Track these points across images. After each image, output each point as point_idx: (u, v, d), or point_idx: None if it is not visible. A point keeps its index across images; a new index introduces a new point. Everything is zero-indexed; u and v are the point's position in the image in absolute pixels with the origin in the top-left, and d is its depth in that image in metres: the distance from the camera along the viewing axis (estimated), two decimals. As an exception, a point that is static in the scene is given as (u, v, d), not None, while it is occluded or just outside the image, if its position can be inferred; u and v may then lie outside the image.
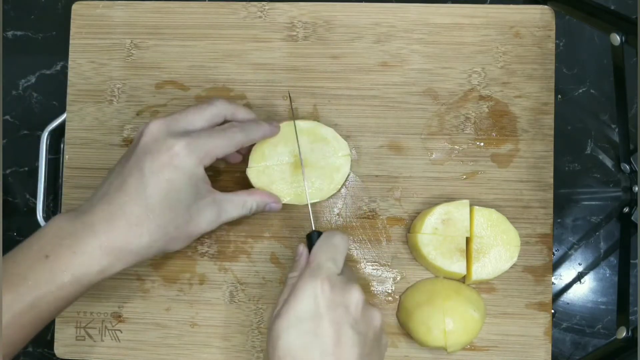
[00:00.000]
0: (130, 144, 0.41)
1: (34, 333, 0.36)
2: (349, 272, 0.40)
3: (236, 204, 0.41)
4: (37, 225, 0.48)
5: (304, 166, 0.43)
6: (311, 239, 0.40)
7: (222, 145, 0.39)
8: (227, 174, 0.47)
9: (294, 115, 0.45)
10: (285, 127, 0.44)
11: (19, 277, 0.34)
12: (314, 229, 0.41)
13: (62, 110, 0.48)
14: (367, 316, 0.36)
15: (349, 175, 0.45)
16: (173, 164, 0.37)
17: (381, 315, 0.37)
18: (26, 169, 0.51)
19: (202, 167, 0.38)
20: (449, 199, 0.45)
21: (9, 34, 0.52)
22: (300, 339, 0.34)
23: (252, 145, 0.43)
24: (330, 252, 0.38)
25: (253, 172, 0.44)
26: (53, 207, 0.50)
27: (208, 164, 0.38)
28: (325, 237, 0.39)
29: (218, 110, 0.40)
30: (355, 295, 0.36)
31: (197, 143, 0.38)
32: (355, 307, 0.35)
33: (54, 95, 0.51)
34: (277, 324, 0.34)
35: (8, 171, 0.51)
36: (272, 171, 0.44)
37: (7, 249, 0.50)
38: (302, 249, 0.41)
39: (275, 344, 0.34)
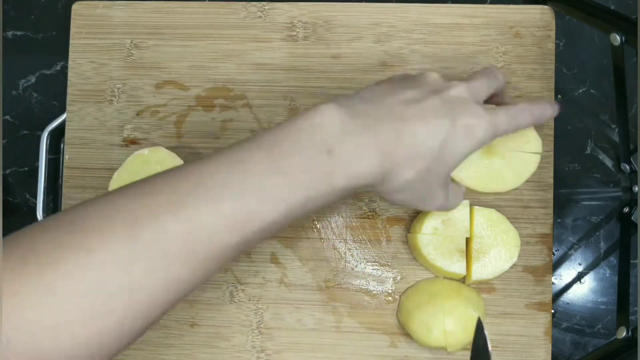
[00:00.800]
0: (406, 79, 0.36)
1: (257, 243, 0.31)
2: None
3: (458, 194, 0.40)
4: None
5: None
6: None
7: (512, 127, 0.36)
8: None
9: None
10: None
11: (297, 168, 0.29)
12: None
13: (62, 110, 0.48)
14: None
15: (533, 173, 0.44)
16: (477, 132, 0.34)
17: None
18: (26, 169, 0.51)
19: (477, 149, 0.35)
20: (449, 199, 0.45)
21: (9, 34, 0.52)
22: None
23: None
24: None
25: None
26: (53, 207, 0.50)
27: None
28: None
29: (497, 85, 0.38)
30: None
31: (497, 123, 0.35)
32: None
33: (54, 95, 0.51)
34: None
35: (8, 171, 0.51)
36: None
37: (7, 249, 0.50)
38: None
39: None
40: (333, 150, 0.30)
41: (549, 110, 0.39)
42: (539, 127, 0.44)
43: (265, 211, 0.29)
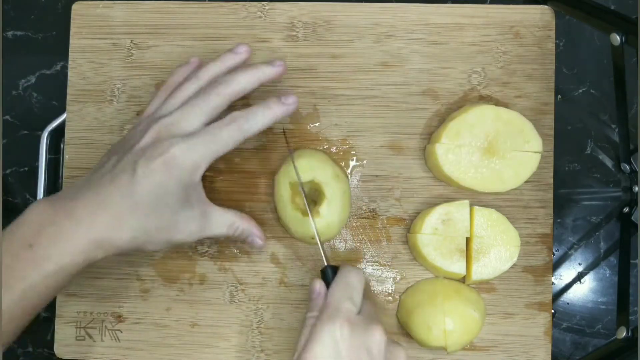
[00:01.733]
0: (125, 137, 0.40)
1: (26, 323, 0.35)
2: (370, 308, 0.39)
3: (223, 222, 0.40)
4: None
5: (310, 210, 0.42)
6: (326, 275, 0.40)
7: (221, 147, 0.37)
8: (228, 174, 0.46)
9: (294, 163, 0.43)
10: (484, 110, 0.43)
11: (6, 268, 0.34)
12: (326, 264, 0.40)
13: (62, 110, 0.48)
14: (391, 356, 0.36)
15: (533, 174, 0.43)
16: (168, 168, 0.36)
17: (405, 352, 0.37)
18: (26, 169, 0.51)
19: (199, 173, 0.37)
20: (449, 199, 0.45)
21: (9, 34, 0.52)
22: None
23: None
24: (347, 291, 0.37)
25: (442, 149, 0.42)
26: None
27: (206, 168, 0.38)
28: (341, 276, 0.38)
29: (218, 98, 0.38)
30: (376, 336, 0.35)
31: (197, 148, 0.37)
32: (377, 349, 0.35)
33: (54, 95, 0.51)
34: None
35: (8, 171, 0.51)
36: (461, 151, 0.43)
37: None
38: (319, 286, 0.39)
39: None
40: (33, 244, 0.34)
41: (275, 109, 0.39)
42: (538, 127, 0.44)
43: None
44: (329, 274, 0.39)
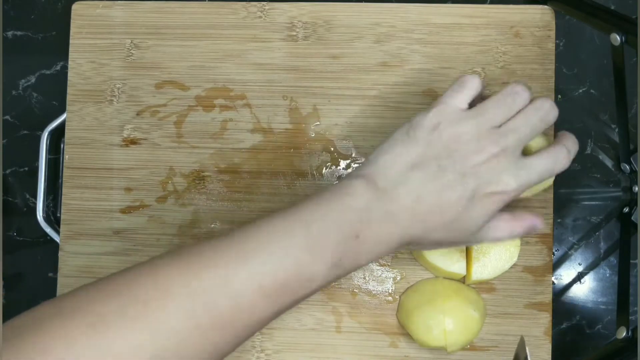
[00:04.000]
0: (442, 134, 0.34)
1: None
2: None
3: (505, 233, 0.36)
4: (37, 225, 0.48)
5: None
6: None
7: (540, 180, 0.35)
8: (228, 174, 0.46)
9: None
10: None
11: (329, 250, 0.32)
12: None
13: (62, 110, 0.48)
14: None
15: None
16: (501, 201, 0.34)
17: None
18: (26, 168, 0.51)
19: None
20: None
21: (9, 33, 0.52)
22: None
23: None
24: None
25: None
26: (53, 207, 0.50)
27: None
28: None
29: (541, 126, 0.35)
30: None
31: (527, 182, 0.34)
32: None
33: (54, 95, 0.51)
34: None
35: (8, 171, 0.51)
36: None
37: (7, 249, 0.50)
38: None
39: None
40: (359, 236, 0.32)
41: (574, 145, 0.37)
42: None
43: (297, 285, 0.32)
44: None
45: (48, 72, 0.51)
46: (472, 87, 0.35)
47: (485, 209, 0.34)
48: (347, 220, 0.32)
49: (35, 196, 0.48)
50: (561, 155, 0.35)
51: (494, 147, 0.33)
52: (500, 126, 0.34)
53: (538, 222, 0.37)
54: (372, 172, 0.34)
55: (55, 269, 0.47)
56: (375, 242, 0.33)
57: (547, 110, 0.36)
